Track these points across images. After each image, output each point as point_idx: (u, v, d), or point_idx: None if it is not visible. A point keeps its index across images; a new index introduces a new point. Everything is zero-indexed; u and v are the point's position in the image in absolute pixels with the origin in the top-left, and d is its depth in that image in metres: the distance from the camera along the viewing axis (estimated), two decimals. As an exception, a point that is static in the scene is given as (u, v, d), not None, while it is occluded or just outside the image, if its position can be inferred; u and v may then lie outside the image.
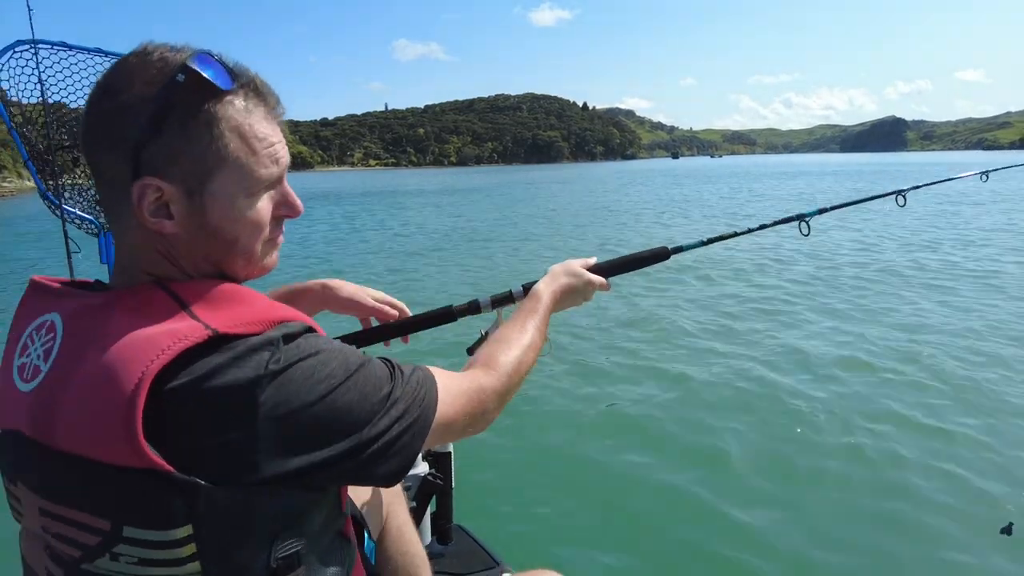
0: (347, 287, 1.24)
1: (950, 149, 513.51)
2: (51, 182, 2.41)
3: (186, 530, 0.62)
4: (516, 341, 1.02)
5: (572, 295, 1.23)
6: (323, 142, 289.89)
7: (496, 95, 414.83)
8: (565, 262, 1.26)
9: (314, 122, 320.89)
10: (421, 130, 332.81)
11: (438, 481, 1.72)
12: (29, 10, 2.37)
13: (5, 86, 2.17)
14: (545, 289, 1.18)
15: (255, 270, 0.78)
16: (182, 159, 0.67)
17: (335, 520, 0.79)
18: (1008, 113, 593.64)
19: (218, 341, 0.63)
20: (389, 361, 0.78)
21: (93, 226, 2.52)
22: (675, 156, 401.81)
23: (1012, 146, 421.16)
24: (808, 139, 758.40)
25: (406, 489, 1.42)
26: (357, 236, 16.62)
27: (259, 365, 0.63)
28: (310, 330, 0.71)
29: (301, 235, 16.34)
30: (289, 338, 0.67)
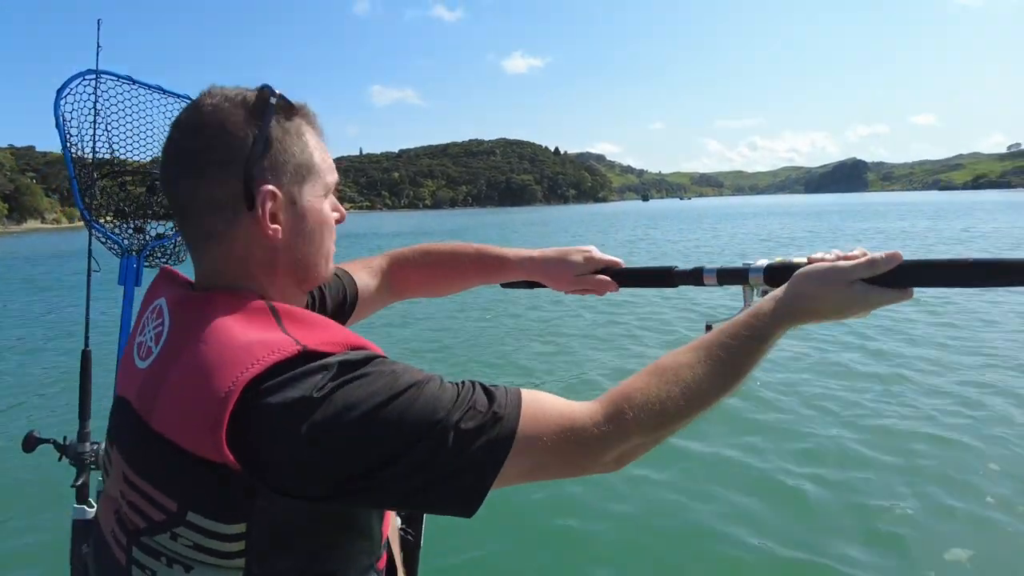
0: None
1: (908, 189, 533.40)
2: (87, 200, 2.58)
3: (240, 527, 0.66)
4: (685, 377, 0.76)
5: (829, 312, 0.83)
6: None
7: (470, 140, 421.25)
8: (828, 267, 0.83)
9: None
10: (396, 174, 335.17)
11: (408, 536, 1.63)
12: (98, 47, 2.59)
13: (68, 109, 2.37)
14: (782, 308, 0.82)
15: (328, 272, 0.85)
16: (286, 168, 0.75)
17: (371, 552, 0.80)
18: (960, 155, 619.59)
19: (306, 357, 0.67)
20: (476, 385, 0.74)
21: (117, 247, 2.66)
22: (645, 199, 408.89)
23: (965, 186, 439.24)
24: (774, 181, 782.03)
25: None
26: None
27: (315, 385, 0.65)
28: (376, 356, 0.72)
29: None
30: (350, 365, 0.68)
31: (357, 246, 30.45)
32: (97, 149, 2.46)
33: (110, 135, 2.54)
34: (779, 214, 55.99)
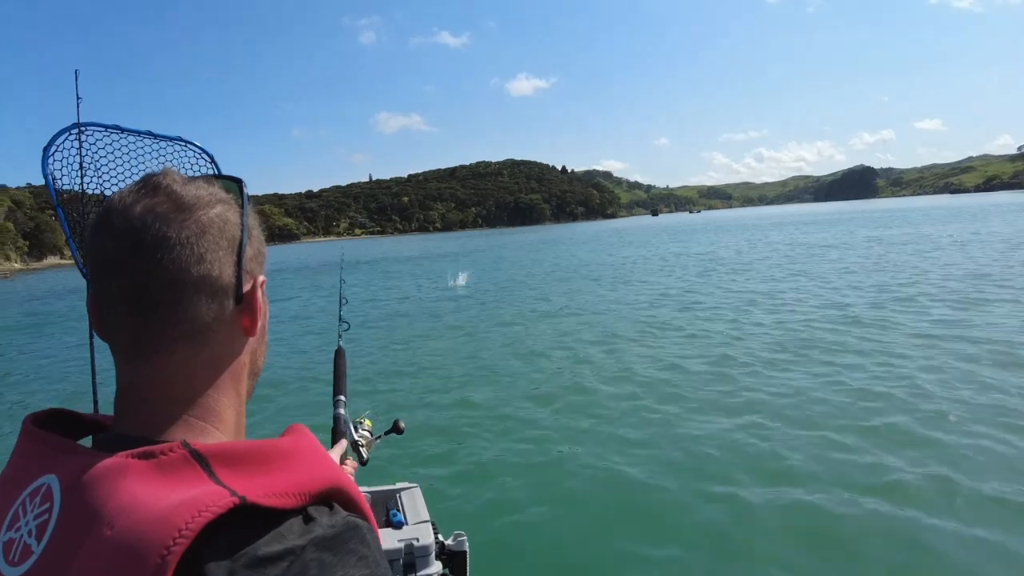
0: None
1: (919, 194, 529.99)
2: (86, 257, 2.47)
3: None
4: None
5: None
6: (308, 213, 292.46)
7: (477, 162, 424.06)
8: None
9: (299, 194, 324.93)
10: (405, 198, 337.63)
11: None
12: (78, 99, 2.46)
13: (57, 167, 2.24)
14: None
15: (254, 382, 0.76)
16: (259, 259, 0.71)
17: None
18: (970, 158, 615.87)
19: (245, 514, 0.54)
20: None
21: None
22: (655, 213, 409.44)
23: (977, 189, 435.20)
24: (782, 191, 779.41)
25: None
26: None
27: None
28: (355, 529, 0.59)
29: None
30: (323, 543, 0.56)
31: (375, 271, 30.49)
32: (89, 203, 2.36)
33: (103, 187, 2.44)
34: (818, 223, 55.61)
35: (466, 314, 13.08)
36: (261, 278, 0.70)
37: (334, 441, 1.62)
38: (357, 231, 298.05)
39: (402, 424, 1.83)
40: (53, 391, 8.97)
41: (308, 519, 0.57)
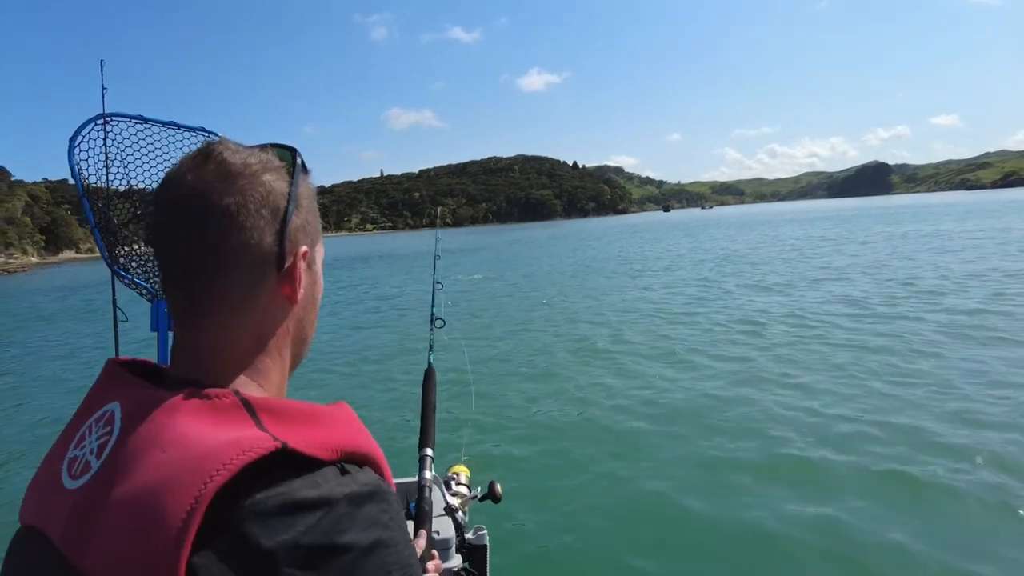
0: None
1: (934, 190, 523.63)
2: (115, 250, 2.48)
3: None
4: None
5: None
6: (320, 209, 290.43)
7: (488, 157, 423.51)
8: None
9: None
10: (416, 194, 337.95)
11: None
12: (103, 89, 2.48)
13: (83, 157, 2.25)
14: None
15: (306, 352, 0.78)
16: (309, 230, 0.72)
17: None
18: (987, 154, 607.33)
19: (288, 458, 0.57)
20: None
21: (148, 292, 2.56)
22: (666, 209, 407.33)
23: (994, 185, 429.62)
24: (795, 187, 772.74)
25: None
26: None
27: (310, 525, 0.55)
28: (382, 491, 0.62)
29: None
30: (358, 500, 0.59)
31: (388, 265, 30.58)
32: (110, 195, 2.38)
33: (129, 177, 2.46)
34: (841, 218, 55.12)
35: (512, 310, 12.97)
36: (303, 249, 0.69)
37: (417, 526, 1.31)
38: (368, 226, 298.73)
39: (499, 488, 1.55)
40: (87, 373, 9.06)
41: (344, 472, 0.60)
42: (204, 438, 0.57)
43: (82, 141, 2.19)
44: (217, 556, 0.53)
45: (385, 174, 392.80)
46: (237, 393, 0.63)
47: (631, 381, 6.78)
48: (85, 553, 0.55)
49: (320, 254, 0.76)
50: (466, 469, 1.45)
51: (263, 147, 0.71)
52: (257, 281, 0.67)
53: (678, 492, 4.12)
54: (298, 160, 0.71)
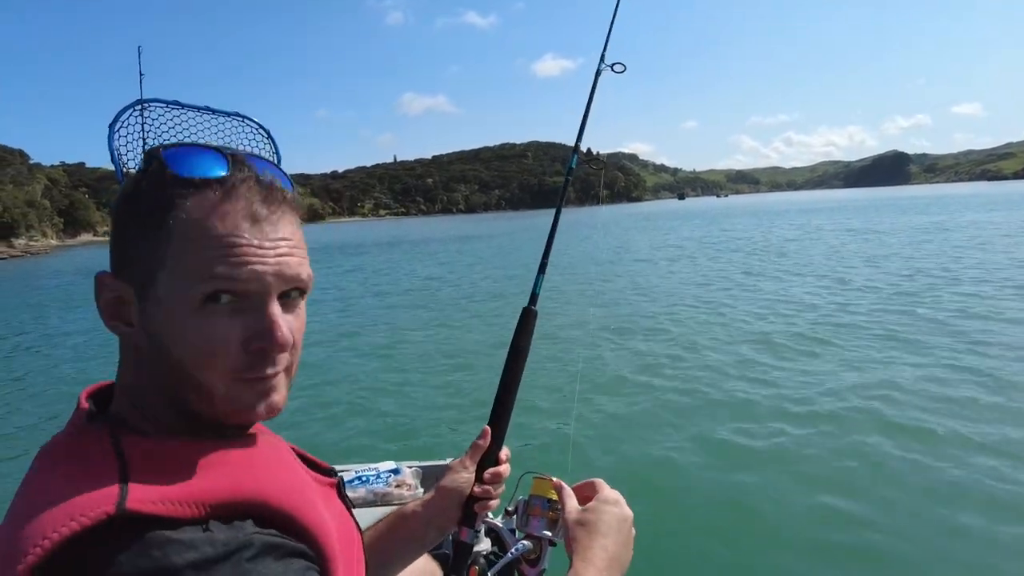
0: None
1: (953, 181, 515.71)
2: None
3: None
4: None
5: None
6: (333, 194, 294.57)
7: (502, 144, 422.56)
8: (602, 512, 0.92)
9: (324, 175, 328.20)
10: (430, 180, 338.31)
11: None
12: (140, 75, 2.56)
13: (122, 143, 2.33)
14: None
15: (226, 412, 0.62)
16: (134, 255, 0.59)
17: None
18: (1009, 144, 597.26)
19: (121, 525, 0.50)
20: None
21: None
22: (681, 197, 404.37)
23: (1016, 176, 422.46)
24: (811, 176, 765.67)
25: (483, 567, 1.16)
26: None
27: None
28: (266, 550, 0.54)
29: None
30: (208, 563, 0.50)
31: (397, 251, 30.68)
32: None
33: (163, 162, 2.57)
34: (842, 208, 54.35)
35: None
36: (105, 277, 0.63)
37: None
38: (382, 212, 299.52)
39: None
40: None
41: (205, 530, 0.53)
42: (53, 492, 0.52)
43: (121, 127, 2.29)
44: None
45: (398, 160, 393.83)
46: (113, 433, 0.58)
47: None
48: None
49: (171, 288, 0.58)
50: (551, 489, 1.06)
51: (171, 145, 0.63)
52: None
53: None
54: (140, 167, 0.62)
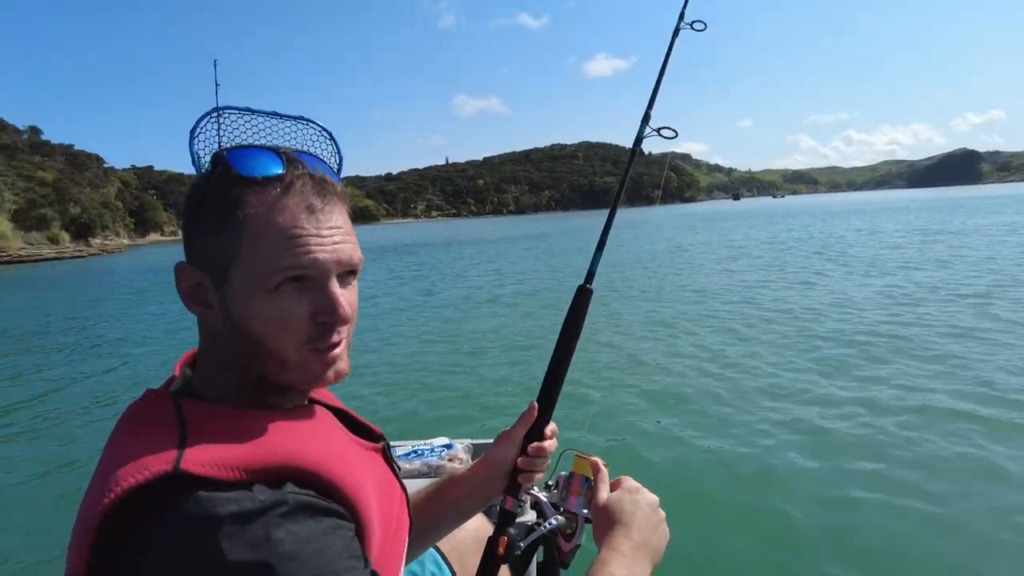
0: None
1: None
2: None
3: None
4: None
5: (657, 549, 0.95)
6: (388, 196, 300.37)
7: (552, 144, 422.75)
8: (635, 503, 0.96)
9: (379, 177, 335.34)
10: (480, 181, 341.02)
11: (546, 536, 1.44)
12: (216, 85, 2.68)
13: (200, 146, 2.45)
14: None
15: (299, 379, 0.71)
16: (208, 247, 0.68)
17: None
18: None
19: (175, 482, 0.58)
20: None
21: None
22: (736, 198, 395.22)
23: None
24: (872, 176, 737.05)
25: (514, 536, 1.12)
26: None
27: (190, 553, 0.56)
28: (300, 508, 0.61)
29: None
30: (241, 518, 0.57)
31: (449, 253, 30.92)
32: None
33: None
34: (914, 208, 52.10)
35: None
36: (189, 274, 0.72)
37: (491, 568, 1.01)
38: (433, 213, 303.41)
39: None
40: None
41: (247, 489, 0.59)
42: (124, 451, 0.61)
43: (200, 132, 2.42)
44: (107, 571, 0.57)
45: (450, 161, 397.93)
46: (177, 401, 0.67)
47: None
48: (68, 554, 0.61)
49: (246, 276, 0.67)
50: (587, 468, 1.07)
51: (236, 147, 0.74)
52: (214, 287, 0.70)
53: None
54: (208, 168, 0.72)
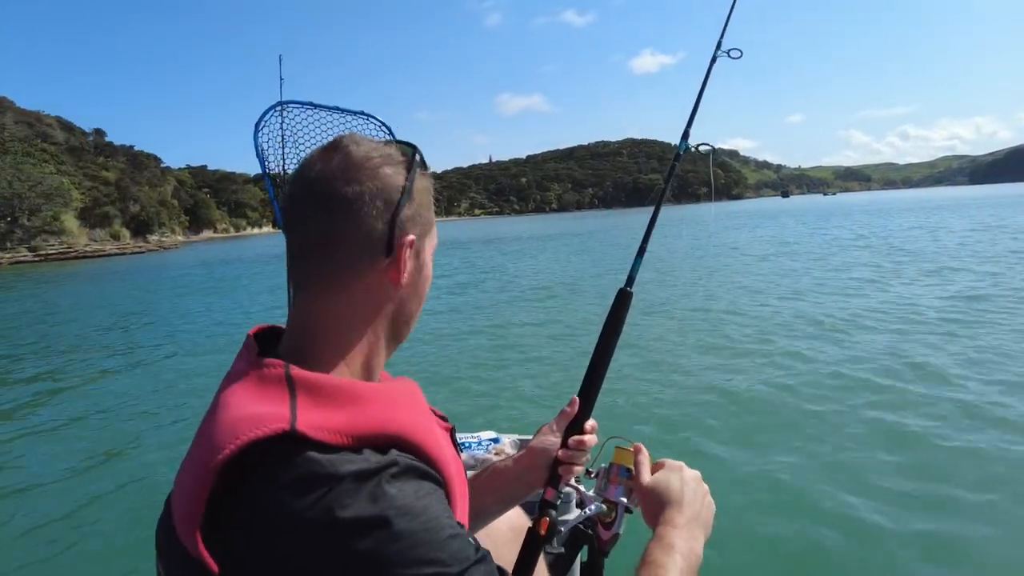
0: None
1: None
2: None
3: None
4: None
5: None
6: (433, 194, 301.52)
7: (596, 142, 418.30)
8: (682, 481, 1.00)
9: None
10: (523, 179, 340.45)
11: (588, 531, 1.38)
12: (281, 79, 2.83)
13: (265, 140, 2.62)
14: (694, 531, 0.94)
15: (407, 334, 0.85)
16: (419, 221, 0.78)
17: None
18: None
19: (292, 441, 0.62)
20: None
21: None
22: (785, 195, 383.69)
23: None
24: (931, 172, 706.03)
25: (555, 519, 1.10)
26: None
27: (311, 502, 0.59)
28: (407, 470, 0.66)
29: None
30: (363, 477, 0.62)
31: (489, 249, 31.11)
32: (289, 169, 2.79)
33: (299, 155, 2.87)
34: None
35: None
36: (410, 238, 0.76)
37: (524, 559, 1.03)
38: (476, 211, 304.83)
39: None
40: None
41: (356, 452, 0.64)
42: (238, 408, 0.65)
43: (264, 126, 2.60)
44: (224, 521, 0.60)
45: (493, 159, 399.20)
46: (287, 367, 0.70)
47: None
48: (173, 516, 0.63)
49: (431, 245, 0.83)
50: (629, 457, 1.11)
51: (388, 142, 0.80)
52: (364, 264, 0.74)
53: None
54: (417, 157, 0.79)
